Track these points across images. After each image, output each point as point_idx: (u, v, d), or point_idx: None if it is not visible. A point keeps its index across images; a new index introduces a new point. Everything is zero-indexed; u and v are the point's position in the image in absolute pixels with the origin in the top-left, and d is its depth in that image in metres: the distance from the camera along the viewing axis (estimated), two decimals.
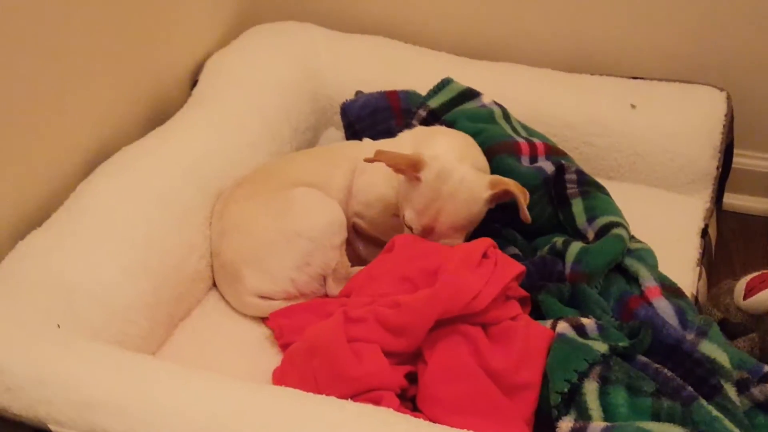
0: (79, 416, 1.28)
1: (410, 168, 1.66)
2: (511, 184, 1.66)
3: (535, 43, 2.38)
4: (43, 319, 1.45)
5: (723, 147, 2.12)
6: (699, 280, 1.86)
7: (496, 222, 1.82)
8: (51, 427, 1.29)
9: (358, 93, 2.14)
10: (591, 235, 1.77)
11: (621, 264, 1.70)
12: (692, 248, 1.93)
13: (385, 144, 1.88)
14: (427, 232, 1.67)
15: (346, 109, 2.08)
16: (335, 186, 1.82)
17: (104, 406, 1.28)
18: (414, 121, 2.03)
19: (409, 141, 1.84)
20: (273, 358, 1.63)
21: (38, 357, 1.34)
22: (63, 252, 1.55)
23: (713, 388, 1.47)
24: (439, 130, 1.92)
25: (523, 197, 1.65)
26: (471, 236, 1.74)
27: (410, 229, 1.69)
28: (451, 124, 1.99)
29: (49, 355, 1.35)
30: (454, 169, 1.66)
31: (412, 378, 1.52)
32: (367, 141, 1.94)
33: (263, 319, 1.72)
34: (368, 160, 1.67)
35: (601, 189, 1.86)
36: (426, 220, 1.66)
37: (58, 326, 1.45)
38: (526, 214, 1.66)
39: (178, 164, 1.79)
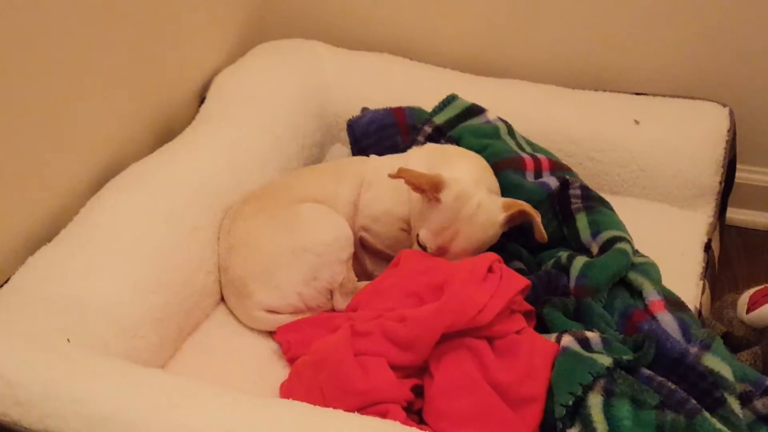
0: (89, 430, 1.27)
1: (431, 188, 1.67)
2: (524, 205, 1.69)
3: (540, 59, 2.39)
4: (53, 334, 1.45)
5: (726, 162, 2.13)
6: (702, 294, 1.85)
7: (501, 237, 1.81)
8: None
9: (364, 109, 2.15)
10: (595, 250, 1.77)
11: (625, 278, 1.70)
12: (695, 262, 1.93)
13: (394, 160, 1.89)
14: (441, 253, 1.69)
15: (352, 126, 2.09)
16: (342, 201, 1.82)
17: (114, 420, 1.28)
18: (420, 137, 2.04)
19: (421, 159, 1.84)
20: (280, 372, 1.63)
21: (48, 371, 1.34)
22: (73, 267, 1.56)
23: (717, 400, 1.47)
24: (453, 151, 1.92)
25: (537, 217, 1.67)
26: None
27: (423, 247, 1.69)
28: (456, 140, 2.00)
29: (60, 370, 1.35)
30: (473, 192, 1.68)
31: (418, 391, 1.52)
32: (374, 157, 1.95)
33: (271, 334, 1.72)
34: (392, 176, 1.68)
35: (605, 204, 1.86)
36: (441, 241, 1.68)
37: (68, 341, 1.45)
38: (542, 234, 1.69)
39: (186, 180, 1.80)
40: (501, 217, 1.69)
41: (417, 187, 1.69)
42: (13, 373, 1.33)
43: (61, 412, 1.29)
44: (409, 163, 1.80)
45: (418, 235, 1.71)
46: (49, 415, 1.30)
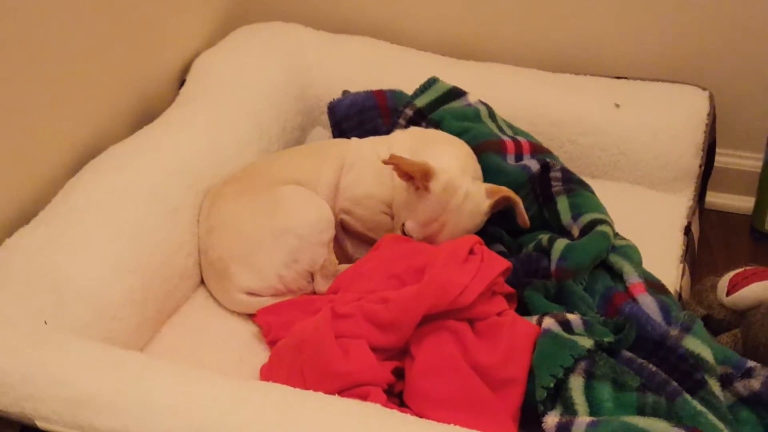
0: (67, 412, 1.27)
1: (422, 177, 1.67)
2: (508, 192, 1.70)
3: (520, 43, 2.39)
4: (31, 316, 1.45)
5: (705, 146, 2.14)
6: (682, 277, 1.86)
7: None
8: (39, 423, 1.28)
9: (345, 92, 2.14)
10: (576, 232, 1.77)
11: (606, 261, 1.71)
12: (676, 245, 1.94)
13: (375, 142, 1.89)
14: (428, 242, 1.69)
15: (333, 108, 2.09)
16: (323, 183, 1.82)
17: (92, 402, 1.27)
18: (401, 120, 2.04)
19: (404, 142, 1.84)
20: (261, 354, 1.63)
21: (26, 353, 1.34)
22: (51, 249, 1.55)
23: (697, 383, 1.48)
24: (437, 136, 1.92)
25: (520, 203, 1.68)
26: None
27: (409, 237, 1.70)
28: (437, 123, 2.00)
29: (37, 352, 1.35)
30: (460, 182, 1.68)
31: (399, 374, 1.52)
32: (355, 139, 1.94)
33: (251, 316, 1.72)
34: (386, 162, 1.68)
35: (585, 187, 1.86)
36: (429, 232, 1.68)
37: (45, 323, 1.45)
38: (525, 219, 1.71)
39: (166, 162, 1.79)
40: (486, 204, 1.70)
41: (406, 175, 1.69)
42: None
43: (38, 395, 1.29)
44: (392, 147, 1.80)
45: (403, 225, 1.71)
46: (26, 397, 1.29)
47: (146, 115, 1.98)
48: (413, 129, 1.98)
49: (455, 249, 1.59)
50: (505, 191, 1.72)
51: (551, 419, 1.39)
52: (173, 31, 2.14)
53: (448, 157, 1.77)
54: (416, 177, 1.67)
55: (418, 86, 2.10)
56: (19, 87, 1.62)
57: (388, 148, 1.81)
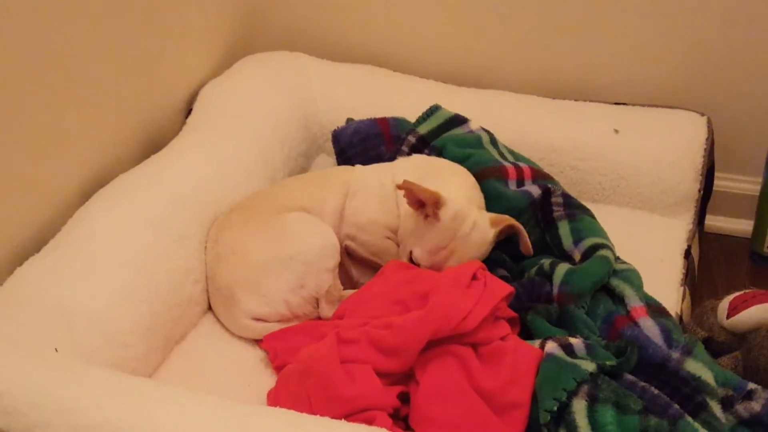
0: None
1: (433, 205, 1.68)
2: (511, 221, 1.71)
3: (521, 71, 2.41)
4: (42, 343, 1.45)
5: (704, 170, 2.15)
6: (683, 300, 1.87)
7: None
8: None
9: (349, 120, 2.16)
10: (577, 257, 1.78)
11: (607, 284, 1.71)
12: (676, 269, 1.95)
13: (379, 169, 1.91)
14: (434, 270, 1.70)
15: (337, 136, 2.11)
16: (328, 210, 1.83)
17: (102, 429, 1.27)
18: (404, 147, 2.05)
19: (407, 170, 1.84)
20: (267, 379, 1.63)
21: (37, 380, 1.33)
22: (61, 277, 1.56)
23: (699, 405, 1.48)
24: (442, 165, 1.93)
25: (525, 232, 1.70)
26: None
27: (416, 264, 1.71)
28: (439, 150, 2.02)
29: (48, 379, 1.34)
30: (468, 211, 1.70)
31: (404, 398, 1.53)
32: (359, 167, 1.96)
33: (258, 342, 1.72)
34: (399, 188, 1.69)
35: (586, 211, 1.87)
36: (436, 260, 1.70)
37: (56, 350, 1.45)
38: (528, 247, 1.72)
39: (173, 190, 1.80)
40: (491, 233, 1.72)
41: (417, 202, 1.70)
42: (1, 383, 1.32)
43: (49, 422, 1.28)
44: (396, 175, 1.82)
45: (411, 252, 1.72)
46: (36, 424, 1.29)
47: (154, 144, 1.99)
48: (416, 156, 1.99)
49: (458, 275, 1.60)
50: (509, 220, 1.73)
51: None
52: (180, 62, 2.15)
53: (455, 187, 1.78)
54: (428, 204, 1.69)
55: (420, 114, 2.11)
56: (31, 117, 1.63)
57: (392, 176, 1.83)
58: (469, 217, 1.70)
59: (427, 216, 1.71)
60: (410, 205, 1.72)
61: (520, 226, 1.72)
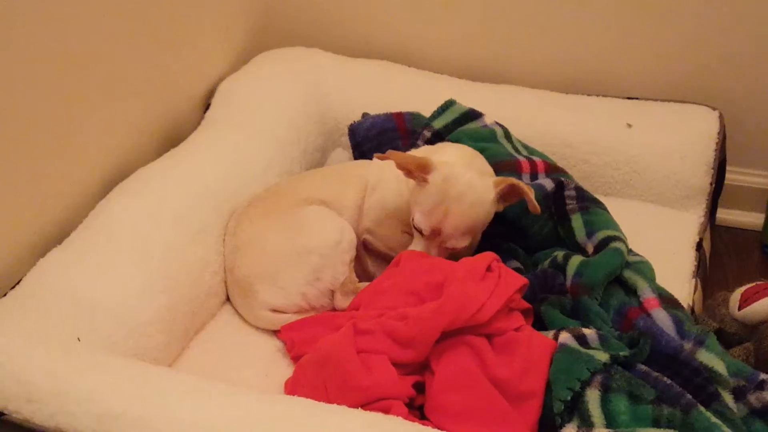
0: (100, 427, 1.28)
1: (419, 169, 1.68)
2: (514, 181, 1.69)
3: (535, 65, 2.42)
4: (64, 333, 1.47)
5: (716, 164, 2.15)
6: (694, 292, 1.88)
7: (499, 237, 1.85)
8: None
9: (365, 115, 2.17)
10: (590, 249, 1.79)
11: (620, 276, 1.72)
12: (688, 261, 1.96)
13: None
14: (435, 234, 1.70)
15: (353, 130, 2.12)
16: (346, 204, 1.85)
17: (124, 417, 1.29)
18: (419, 141, 2.07)
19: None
20: (285, 369, 1.65)
21: (59, 369, 1.35)
22: (82, 269, 1.58)
23: (711, 395, 1.49)
24: (447, 144, 1.95)
25: (528, 191, 1.68)
26: (476, 250, 1.77)
27: (419, 232, 1.71)
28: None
29: (70, 368, 1.36)
30: (462, 173, 1.69)
31: (419, 388, 1.54)
32: (376, 161, 1.96)
33: (275, 332, 1.74)
34: (380, 158, 1.70)
35: (599, 204, 1.88)
36: (434, 221, 1.68)
37: (78, 340, 1.47)
38: (536, 206, 1.68)
39: (192, 184, 1.82)
40: (492, 194, 1.70)
41: (405, 169, 1.70)
42: (24, 372, 1.34)
43: (71, 410, 1.30)
44: None
45: (413, 220, 1.72)
46: (59, 412, 1.30)
47: (173, 138, 2.01)
48: (425, 147, 2.00)
49: (473, 266, 1.60)
50: (511, 180, 1.70)
51: None
52: (198, 58, 2.17)
53: (450, 155, 1.79)
54: (412, 169, 1.69)
55: (435, 108, 2.12)
56: (53, 113, 1.65)
57: None
58: (463, 177, 1.69)
59: (419, 182, 1.70)
60: (404, 173, 1.72)
61: (523, 185, 1.69)
